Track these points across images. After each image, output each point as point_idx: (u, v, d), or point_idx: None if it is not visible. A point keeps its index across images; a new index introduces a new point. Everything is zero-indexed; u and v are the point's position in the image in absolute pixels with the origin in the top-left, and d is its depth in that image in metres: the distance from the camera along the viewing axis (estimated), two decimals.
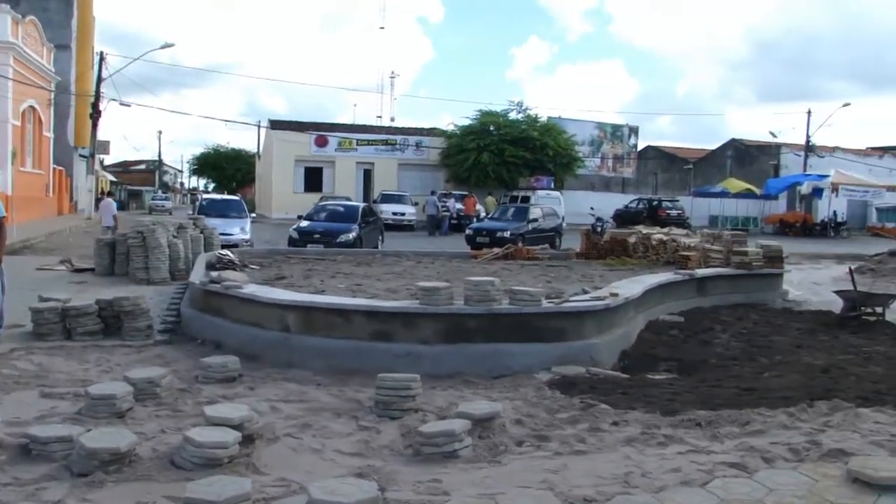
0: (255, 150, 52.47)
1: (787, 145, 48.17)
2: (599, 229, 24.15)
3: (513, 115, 41.00)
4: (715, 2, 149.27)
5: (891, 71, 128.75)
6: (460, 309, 7.32)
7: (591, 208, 31.06)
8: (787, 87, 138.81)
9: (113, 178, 66.90)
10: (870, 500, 4.13)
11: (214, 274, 8.52)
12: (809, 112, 45.28)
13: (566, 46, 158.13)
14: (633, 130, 50.08)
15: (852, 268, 12.37)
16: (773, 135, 48.20)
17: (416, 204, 34.57)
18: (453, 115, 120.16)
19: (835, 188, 39.86)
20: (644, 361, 8.26)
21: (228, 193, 41.54)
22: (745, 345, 8.90)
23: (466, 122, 40.26)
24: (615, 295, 8.40)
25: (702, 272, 11.76)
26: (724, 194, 43.15)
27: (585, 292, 9.37)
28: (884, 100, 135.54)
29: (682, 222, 35.84)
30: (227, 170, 68.37)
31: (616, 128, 49.79)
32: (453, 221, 32.13)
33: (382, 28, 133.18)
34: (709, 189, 45.19)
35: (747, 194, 43.56)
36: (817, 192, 41.25)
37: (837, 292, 10.87)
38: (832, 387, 6.64)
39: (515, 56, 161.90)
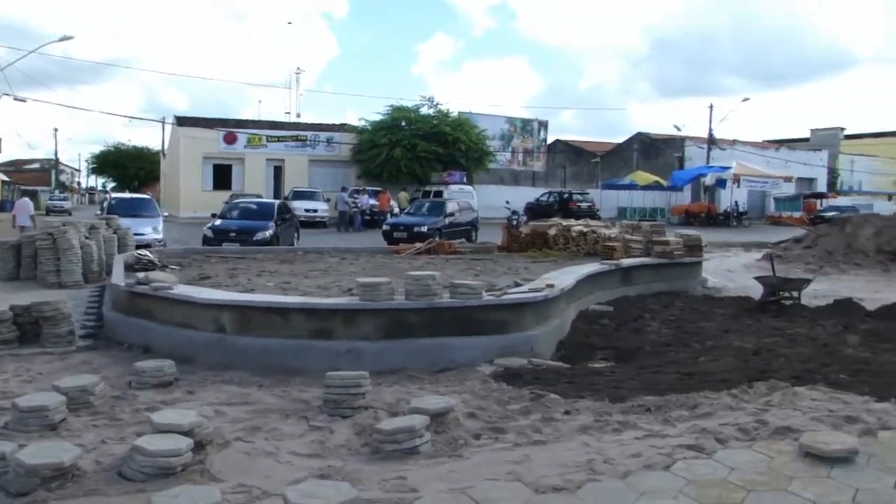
0: (158, 148, 50.74)
1: (690, 138, 49.97)
2: (515, 223, 24.43)
3: (424, 111, 41.01)
4: (616, 0, 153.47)
5: (780, 68, 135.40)
6: (402, 304, 7.23)
7: (507, 202, 31.35)
8: (685, 83, 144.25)
9: (5, 178, 63.48)
10: (824, 472, 4.31)
11: (141, 275, 8.14)
12: (711, 107, 47.17)
13: (471, 42, 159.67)
14: (543, 125, 50.91)
15: (772, 255, 12.87)
16: (678, 128, 49.97)
17: (328, 200, 34.13)
18: (359, 111, 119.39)
19: (737, 179, 41.61)
20: (581, 351, 8.38)
21: (130, 192, 40.01)
22: (676, 331, 9.14)
23: (378, 118, 40.04)
24: (551, 286, 8.47)
25: (627, 262, 12.03)
26: (632, 186, 44.38)
27: (518, 284, 9.42)
28: (773, 95, 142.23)
29: (592, 214, 36.64)
30: (130, 168, 65.89)
31: (526, 122, 50.49)
32: (367, 217, 31.90)
33: (290, 23, 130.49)
34: (617, 182, 46.39)
35: (654, 186, 44.94)
36: (720, 183, 42.96)
37: (757, 278, 11.30)
38: (766, 368, 6.88)
39: (421, 52, 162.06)
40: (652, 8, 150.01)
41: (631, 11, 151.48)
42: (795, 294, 10.62)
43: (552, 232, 16.32)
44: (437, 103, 41.58)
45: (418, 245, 15.84)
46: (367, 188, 34.31)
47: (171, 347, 7.33)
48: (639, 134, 55.84)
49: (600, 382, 6.68)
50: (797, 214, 46.86)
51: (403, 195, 35.84)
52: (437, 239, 18.68)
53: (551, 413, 5.71)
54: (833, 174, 56.77)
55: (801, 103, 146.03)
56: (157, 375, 6.45)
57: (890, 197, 45.47)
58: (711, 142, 47.82)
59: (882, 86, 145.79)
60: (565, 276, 9.94)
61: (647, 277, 12.45)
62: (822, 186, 53.70)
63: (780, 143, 57.07)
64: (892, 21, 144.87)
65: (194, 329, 7.37)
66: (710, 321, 9.70)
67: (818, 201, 48.67)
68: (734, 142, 50.88)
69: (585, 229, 15.97)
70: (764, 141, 58.48)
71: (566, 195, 40.51)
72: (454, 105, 64.08)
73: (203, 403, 5.92)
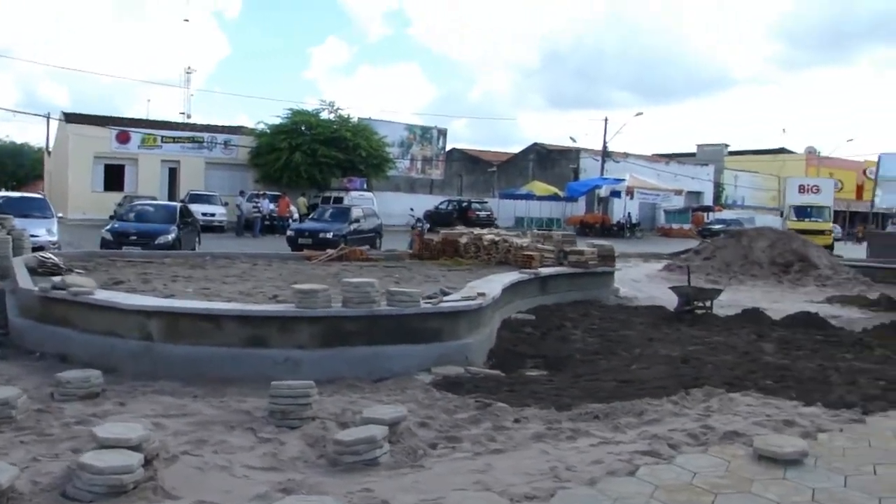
0: (40, 145, 48.07)
1: (585, 150, 51.50)
2: (421, 230, 24.48)
3: (325, 115, 40.51)
4: (508, 12, 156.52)
5: (665, 85, 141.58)
6: (340, 312, 7.08)
7: (411, 209, 31.44)
8: (576, 96, 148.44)
9: None
10: (779, 473, 4.49)
11: (57, 279, 7.63)
12: (606, 120, 49.12)
13: (365, 47, 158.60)
14: (442, 133, 51.29)
15: (689, 267, 13.35)
16: (573, 140, 51.39)
17: (226, 204, 33.20)
18: (251, 114, 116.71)
19: (630, 191, 43.15)
20: (511, 359, 8.42)
21: (6, 192, 37.60)
22: (601, 340, 9.34)
23: (277, 121, 39.30)
24: (482, 294, 8.50)
25: (546, 271, 12.21)
26: (529, 196, 45.32)
27: (445, 293, 9.39)
28: (659, 111, 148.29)
29: (490, 223, 37.29)
30: (8, 166, 62.02)
31: (425, 130, 50.73)
32: (266, 223, 31.23)
33: (187, 20, 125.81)
34: (515, 191, 47.26)
35: (550, 196, 46.03)
36: (615, 194, 44.43)
37: (672, 288, 11.72)
38: (697, 375, 7.13)
39: (313, 56, 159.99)
40: (544, 21, 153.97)
41: (524, 24, 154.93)
42: (708, 304, 11.06)
43: (463, 240, 16.36)
44: (338, 108, 41.26)
45: (330, 251, 15.58)
46: (267, 193, 33.56)
47: (91, 357, 6.90)
48: (535, 144, 57.09)
49: (541, 390, 6.75)
50: (686, 226, 49.07)
51: (302, 201, 35.32)
52: (346, 245, 18.53)
53: (501, 422, 5.71)
54: (718, 188, 59.74)
55: (686, 119, 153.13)
56: (84, 386, 6.05)
57: (781, 213, 48.64)
58: (606, 154, 49.41)
59: (759, 105, 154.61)
60: (489, 284, 9.98)
61: (563, 286, 12.70)
62: (708, 200, 56.48)
63: (669, 157, 59.58)
64: (768, 46, 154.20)
65: (118, 337, 6.97)
66: (632, 330, 9.97)
67: (705, 214, 51.09)
68: (627, 155, 52.77)
69: (497, 238, 16.10)
70: (654, 154, 60.91)
71: (465, 204, 40.97)
72: (354, 110, 63.44)
73: (138, 416, 5.58)
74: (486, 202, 42.83)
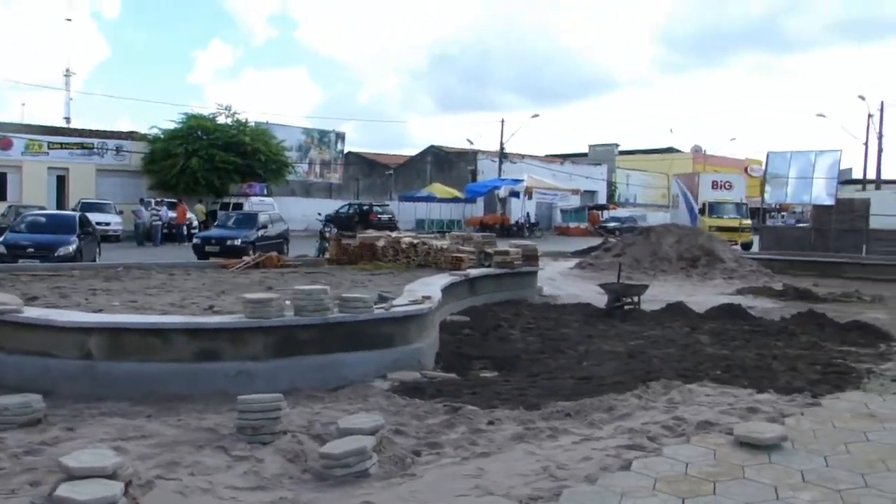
0: None
1: (483, 152, 52.05)
2: (328, 235, 24.13)
3: (222, 120, 39.32)
4: (395, 14, 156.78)
5: (552, 87, 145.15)
6: (295, 320, 6.85)
7: (319, 213, 30.94)
8: (465, 98, 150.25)
9: None
10: (764, 458, 4.65)
11: None
12: (503, 121, 49.71)
13: (251, 51, 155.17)
14: (340, 136, 50.75)
15: (620, 264, 13.66)
16: (470, 142, 51.89)
17: (120, 213, 31.70)
18: (135, 119, 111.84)
19: (529, 192, 43.91)
20: (458, 361, 8.37)
21: None
22: (541, 339, 9.42)
23: (172, 126, 37.81)
24: (428, 298, 8.42)
25: (475, 272, 12.24)
26: (429, 199, 45.42)
27: (383, 298, 9.25)
28: (547, 112, 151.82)
29: (393, 226, 37.18)
30: None
31: (323, 133, 50.08)
32: (164, 231, 30.05)
33: (69, 20, 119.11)
34: (415, 194, 47.28)
35: (450, 198, 46.31)
36: (514, 195, 45.10)
37: (602, 285, 11.95)
38: (649, 369, 7.31)
39: (198, 59, 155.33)
40: (432, 24, 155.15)
41: (411, 27, 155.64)
42: (636, 299, 11.35)
43: (381, 243, 16.20)
44: (235, 112, 40.10)
45: (246, 259, 15.13)
46: (164, 200, 32.25)
47: (22, 380, 6.38)
48: (432, 147, 57.35)
49: (503, 391, 6.74)
50: (583, 225, 50.39)
51: (200, 207, 34.16)
52: (254, 252, 18.03)
53: (475, 425, 5.66)
54: (611, 187, 61.67)
55: (574, 120, 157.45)
56: (24, 412, 5.58)
57: (703, 209, 50.02)
58: (503, 155, 50.14)
59: (646, 106, 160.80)
60: (428, 287, 9.90)
61: (490, 287, 12.77)
62: (602, 198, 58.24)
63: (563, 158, 61.06)
64: (650, 49, 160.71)
65: (53, 357, 6.49)
66: (568, 328, 10.12)
67: (601, 213, 52.59)
68: (523, 156, 53.73)
69: (416, 241, 16.06)
70: (547, 155, 62.33)
71: (366, 207, 40.68)
72: (251, 114, 61.64)
73: (93, 441, 5.23)
74: (387, 205, 42.65)
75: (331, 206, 40.73)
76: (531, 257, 13.83)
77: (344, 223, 35.36)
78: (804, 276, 18.07)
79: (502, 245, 15.19)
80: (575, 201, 51.18)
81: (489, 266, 13.21)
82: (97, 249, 19.80)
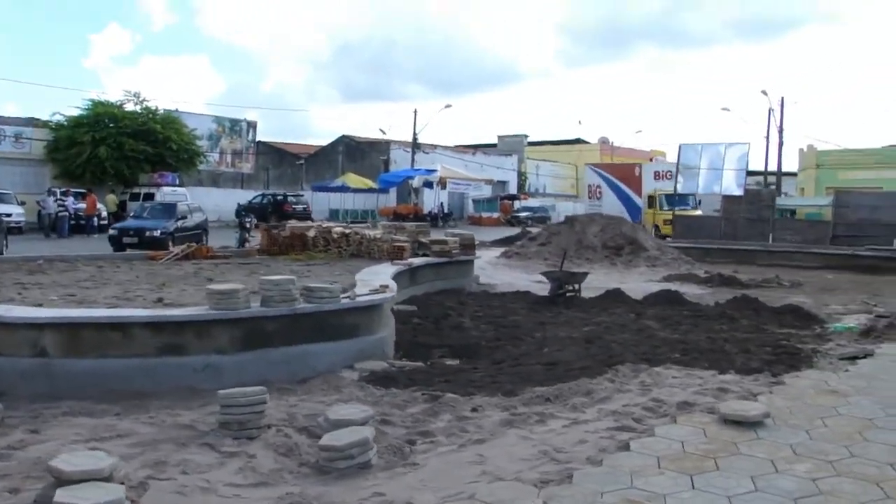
0: None
1: (395, 142, 51.84)
2: (249, 226, 23.61)
3: (129, 107, 37.70)
4: (298, 3, 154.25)
5: (457, 78, 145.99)
6: (262, 311, 6.67)
7: (239, 204, 30.20)
8: (368, 88, 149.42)
9: None
10: (752, 434, 4.88)
11: None
12: (416, 112, 49.43)
13: (150, 36, 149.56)
14: (252, 125, 49.57)
15: (565, 251, 13.86)
16: (383, 132, 51.63)
17: (22, 203, 30.06)
18: (25, 105, 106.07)
19: (443, 182, 44.02)
20: (418, 350, 8.36)
21: None
22: (494, 327, 9.49)
23: (76, 112, 35.97)
24: (386, 287, 8.36)
25: (418, 262, 12.22)
26: (343, 189, 44.99)
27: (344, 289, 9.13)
28: (453, 102, 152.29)
29: (307, 216, 36.81)
30: None
31: (234, 122, 48.80)
32: (72, 222, 28.68)
33: None
34: (329, 184, 46.74)
35: (363, 188, 46.01)
36: (427, 185, 45.14)
37: (545, 273, 12.12)
38: (611, 354, 7.49)
39: (94, 43, 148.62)
40: (335, 13, 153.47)
41: (314, 15, 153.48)
42: (577, 286, 11.57)
43: (311, 234, 16.00)
44: (144, 99, 38.48)
45: (176, 250, 14.64)
46: (71, 190, 30.71)
47: None
48: (344, 137, 56.73)
49: (475, 379, 6.78)
50: (495, 215, 50.94)
51: (111, 198, 32.73)
52: (173, 243, 17.45)
53: (459, 412, 5.67)
54: (522, 177, 62.51)
55: (481, 112, 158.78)
56: None
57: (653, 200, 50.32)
58: (416, 146, 50.11)
59: (554, 98, 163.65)
60: (376, 276, 9.82)
61: (429, 276, 12.78)
62: (513, 189, 58.97)
63: (474, 149, 61.48)
64: (554, 41, 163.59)
65: (3, 356, 6.11)
66: (517, 315, 10.24)
67: (512, 203, 53.26)
68: (435, 146, 53.83)
69: (348, 231, 15.91)
70: (457, 145, 62.66)
71: (280, 197, 39.94)
72: (161, 101, 58.97)
73: (64, 442, 4.95)
74: (301, 195, 41.98)
75: (243, 196, 39.72)
76: (468, 246, 13.91)
77: (258, 214, 34.60)
78: (721, 264, 18.85)
79: (436, 235, 15.24)
80: (487, 191, 51.66)
81: (425, 255, 13.23)
82: (4, 241, 18.77)
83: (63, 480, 3.84)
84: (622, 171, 40.41)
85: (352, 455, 4.45)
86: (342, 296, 7.35)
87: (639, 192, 37.28)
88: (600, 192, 39.88)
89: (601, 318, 9.83)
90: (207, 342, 6.46)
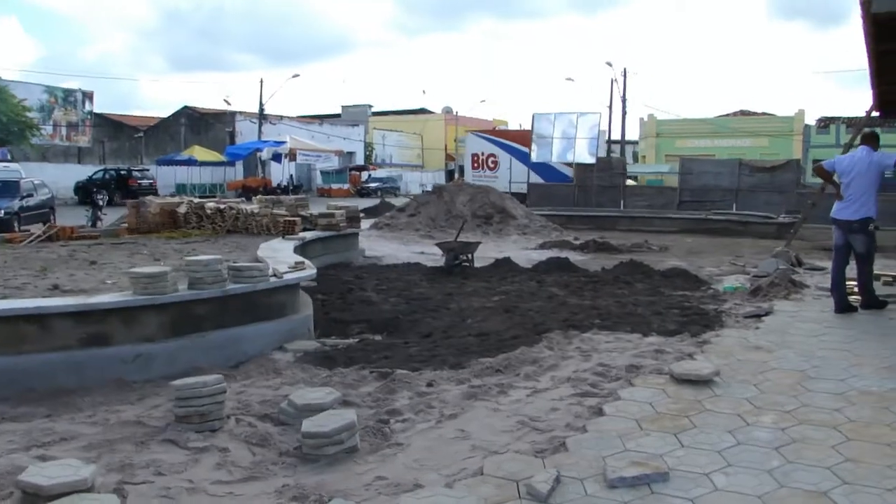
0: None
1: (241, 113, 49.97)
2: (101, 203, 22.17)
3: None
4: None
5: (289, 47, 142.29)
6: (192, 294, 6.28)
7: (105, 177, 28.11)
8: (198, 58, 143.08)
9: None
10: (709, 391, 5.29)
11: None
12: (262, 81, 47.93)
13: None
14: (88, 96, 46.12)
15: (464, 221, 13.88)
16: (227, 102, 49.70)
17: None
18: None
19: (293, 154, 43.01)
20: (334, 327, 8.21)
21: None
22: (403, 300, 9.46)
23: None
24: (301, 263, 8.13)
25: (309, 235, 11.94)
26: (191, 162, 42.99)
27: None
28: (288, 72, 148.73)
29: (153, 191, 35.21)
30: None
31: (69, 93, 45.20)
32: None
33: None
34: (174, 157, 44.49)
35: (210, 161, 44.17)
36: (276, 157, 43.95)
37: (439, 244, 12.16)
38: (537, 322, 7.68)
39: None
40: None
41: None
42: (470, 257, 11.72)
43: (182, 210, 15.23)
44: None
45: (37, 231, 13.48)
46: None
47: None
48: (186, 108, 53.99)
49: (414, 354, 6.75)
50: (345, 186, 50.46)
51: None
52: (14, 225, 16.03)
53: (415, 388, 5.64)
54: (368, 148, 62.13)
55: (323, 81, 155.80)
56: None
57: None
58: (262, 117, 48.58)
59: (394, 68, 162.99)
60: (277, 252, 9.50)
61: (318, 251, 12.51)
62: (360, 160, 58.53)
63: (320, 119, 60.36)
64: (388, 10, 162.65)
65: None
66: (420, 287, 10.25)
67: (360, 174, 52.94)
68: (281, 117, 52.41)
69: (223, 206, 15.27)
70: (301, 116, 61.22)
71: (124, 172, 37.61)
72: None
73: (6, 453, 4.48)
74: (147, 170, 39.69)
75: (81, 171, 37.07)
76: (353, 219, 13.74)
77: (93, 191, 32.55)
78: (584, 230, 19.73)
79: (316, 208, 14.91)
80: (335, 163, 51.03)
81: (308, 229, 12.94)
82: None
83: (43, 497, 3.49)
84: (519, 137, 34.50)
85: (341, 440, 4.33)
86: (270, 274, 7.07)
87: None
88: (494, 162, 35.12)
89: (504, 287, 10.03)
90: (136, 330, 6.02)
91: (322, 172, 52.09)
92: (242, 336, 6.59)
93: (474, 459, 4.21)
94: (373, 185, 52.18)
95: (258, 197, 16.41)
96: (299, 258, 8.45)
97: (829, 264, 11.69)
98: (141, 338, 6.03)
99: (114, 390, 5.65)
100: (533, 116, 28.65)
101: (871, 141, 7.81)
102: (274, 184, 45.68)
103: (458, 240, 12.12)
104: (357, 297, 9.69)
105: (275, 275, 7.09)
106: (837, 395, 5.09)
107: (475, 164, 36.20)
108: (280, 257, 8.86)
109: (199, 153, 43.51)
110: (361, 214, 14.47)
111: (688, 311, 8.14)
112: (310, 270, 7.64)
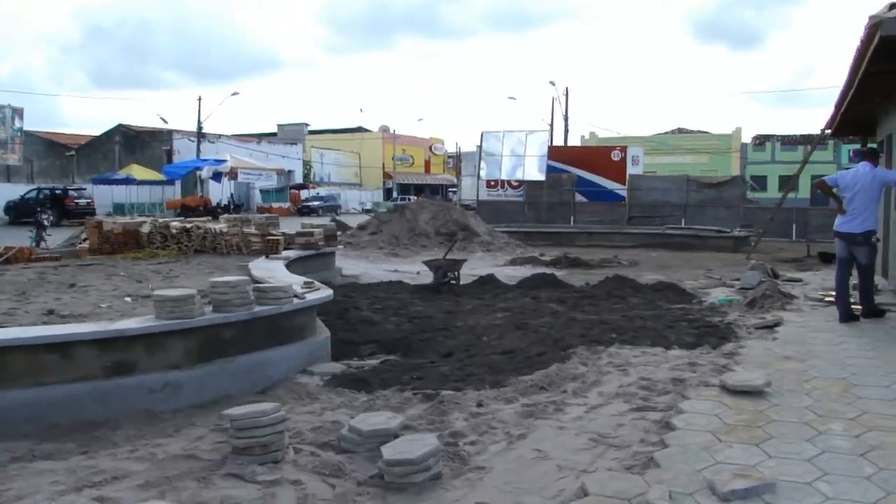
0: None
1: (178, 131, 48.83)
2: (46, 223, 21.29)
3: None
4: None
5: (216, 65, 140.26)
6: (220, 318, 5.99)
7: (39, 197, 26.93)
8: (122, 75, 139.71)
9: None
10: (766, 402, 5.36)
11: None
12: (200, 99, 47.25)
13: None
14: (18, 112, 44.27)
15: (455, 239, 13.72)
16: (164, 120, 48.41)
17: None
18: None
19: (233, 172, 42.24)
20: (345, 348, 7.96)
21: None
22: (405, 319, 9.29)
23: None
24: (311, 283, 7.90)
25: (293, 254, 11.68)
26: (129, 181, 41.79)
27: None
28: (215, 90, 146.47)
29: (91, 211, 34.44)
30: None
31: None
32: None
33: None
34: (112, 176, 43.19)
35: (149, 180, 43.06)
36: (216, 176, 43.10)
37: (426, 262, 12.00)
38: (556, 338, 7.62)
39: None
40: None
41: None
42: (456, 274, 11.62)
43: (145, 229, 14.79)
44: None
45: None
46: None
47: None
48: (120, 126, 52.45)
49: (445, 373, 6.61)
50: (285, 205, 49.77)
51: None
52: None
53: (466, 409, 5.50)
54: (307, 166, 61.48)
55: (258, 100, 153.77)
56: None
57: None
58: (201, 135, 47.58)
59: (327, 86, 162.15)
60: (270, 273, 9.23)
61: (298, 269, 12.22)
62: (299, 178, 57.85)
63: (257, 137, 59.49)
64: (316, 30, 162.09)
65: None
66: (417, 306, 10.09)
67: (300, 192, 52.35)
68: (220, 136, 51.47)
69: (189, 225, 14.85)
70: (237, 135, 60.19)
71: (59, 191, 36.27)
72: None
73: (51, 497, 4.13)
74: (84, 189, 38.37)
75: (11, 190, 35.55)
76: (330, 237, 13.51)
77: (33, 210, 31.29)
78: (544, 246, 19.88)
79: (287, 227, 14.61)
80: (274, 181, 50.35)
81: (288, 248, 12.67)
82: None
83: None
84: (585, 158, 29.34)
85: (428, 466, 4.17)
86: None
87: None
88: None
89: (501, 304, 9.97)
90: (161, 357, 5.70)
91: (262, 191, 51.31)
92: (268, 360, 6.33)
93: (567, 479, 4.11)
94: (315, 203, 51.61)
95: (224, 216, 15.99)
96: (307, 279, 8.20)
97: (801, 275, 12.10)
98: (167, 365, 5.72)
99: (144, 422, 5.34)
100: (481, 135, 28.78)
101: (872, 157, 8.08)
102: (213, 203, 44.77)
103: (447, 257, 12.01)
104: (356, 316, 9.46)
105: (296, 296, 6.86)
106: (891, 402, 5.18)
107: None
108: (280, 277, 8.62)
109: (138, 172, 42.32)
110: (339, 233, 14.20)
111: (696, 323, 8.22)
112: (326, 291, 7.42)
